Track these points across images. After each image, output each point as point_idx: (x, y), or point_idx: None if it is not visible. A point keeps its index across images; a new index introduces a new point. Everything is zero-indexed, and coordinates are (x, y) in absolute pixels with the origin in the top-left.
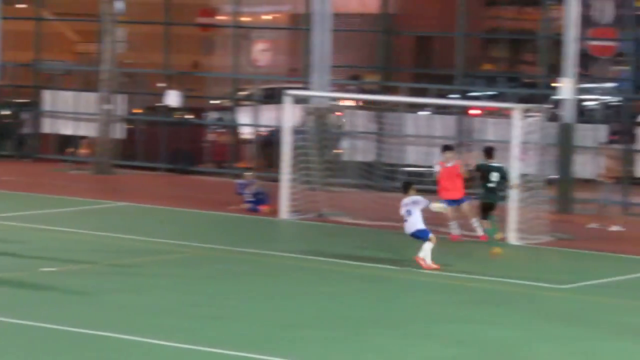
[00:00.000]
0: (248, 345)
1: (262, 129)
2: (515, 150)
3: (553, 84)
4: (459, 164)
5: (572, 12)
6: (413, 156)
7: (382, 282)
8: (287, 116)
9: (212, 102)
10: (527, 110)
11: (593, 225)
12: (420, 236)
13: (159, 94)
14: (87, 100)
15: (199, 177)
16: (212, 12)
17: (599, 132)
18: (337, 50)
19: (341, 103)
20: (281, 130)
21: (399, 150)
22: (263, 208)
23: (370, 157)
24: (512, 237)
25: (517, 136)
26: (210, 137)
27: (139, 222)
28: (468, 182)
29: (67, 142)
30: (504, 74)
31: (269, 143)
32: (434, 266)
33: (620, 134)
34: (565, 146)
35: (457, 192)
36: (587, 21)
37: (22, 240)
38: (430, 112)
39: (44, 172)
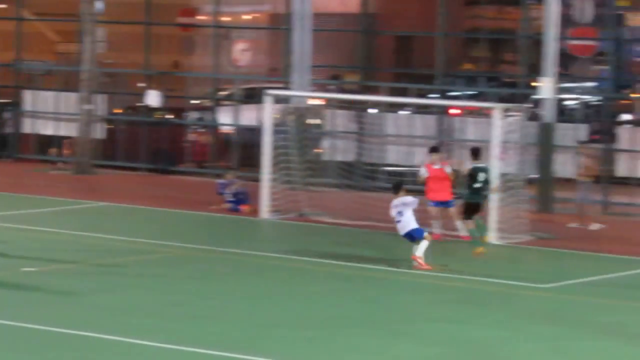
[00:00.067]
0: (229, 345)
1: (225, 128)
2: (495, 149)
3: (533, 84)
4: (446, 166)
5: (552, 12)
6: (393, 156)
7: (364, 282)
8: (267, 116)
9: (192, 102)
10: (507, 110)
11: (573, 224)
12: (415, 235)
13: (140, 94)
14: (68, 100)
15: (180, 177)
16: (192, 12)
17: (579, 132)
18: (317, 50)
19: (318, 102)
20: (238, 130)
21: (380, 149)
22: (244, 208)
23: (350, 156)
24: (493, 236)
25: (497, 136)
26: (191, 137)
27: (119, 222)
28: (455, 183)
29: (49, 142)
30: (484, 73)
31: (231, 142)
32: (427, 267)
33: (601, 134)
34: (545, 145)
35: (445, 193)
36: (567, 20)
37: (2, 240)
38: (410, 111)
39: (24, 172)
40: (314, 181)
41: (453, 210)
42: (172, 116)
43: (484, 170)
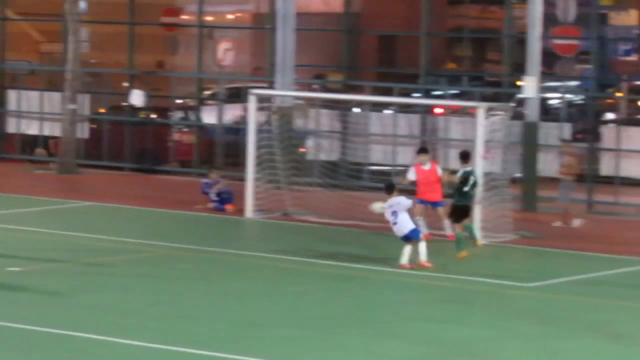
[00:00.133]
0: (215, 344)
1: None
2: (479, 149)
3: (517, 83)
4: (436, 166)
5: (535, 11)
6: (378, 155)
7: (349, 281)
8: (251, 115)
9: (176, 101)
10: (491, 109)
11: (558, 223)
12: (412, 237)
13: (124, 94)
14: (52, 100)
15: (164, 177)
16: (175, 11)
17: (564, 131)
18: (300, 50)
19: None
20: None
21: (364, 149)
22: (229, 207)
23: (335, 156)
24: (477, 235)
25: (481, 135)
26: (175, 136)
27: (104, 221)
28: (446, 185)
29: (34, 141)
30: (468, 72)
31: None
32: (409, 266)
33: (585, 133)
34: (529, 145)
35: (435, 193)
36: (550, 20)
37: None
38: (394, 110)
39: (9, 171)
40: (298, 180)
41: (442, 210)
42: (156, 116)
43: (474, 174)
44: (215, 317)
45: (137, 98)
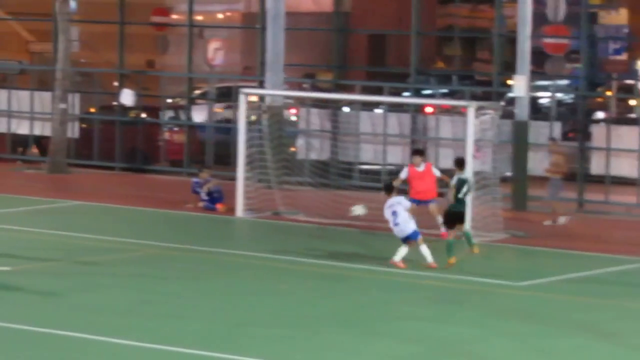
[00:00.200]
0: (205, 343)
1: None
2: (469, 148)
3: (507, 82)
4: (431, 167)
5: (525, 10)
6: (368, 154)
7: (339, 280)
8: (241, 114)
9: (167, 101)
10: (481, 108)
11: (548, 222)
12: (412, 238)
13: (114, 93)
14: (42, 100)
15: (155, 176)
16: (165, 11)
17: (553, 130)
18: (290, 49)
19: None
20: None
21: (354, 148)
22: (219, 207)
23: (325, 155)
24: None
25: (472, 134)
26: (166, 135)
27: (95, 221)
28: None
29: (25, 141)
30: (458, 72)
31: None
32: (402, 265)
33: (575, 132)
34: (519, 144)
35: (430, 193)
36: (540, 18)
37: None
38: (384, 109)
39: None
40: (288, 180)
41: (433, 206)
42: (146, 115)
43: (468, 181)
44: (206, 317)
45: (127, 97)
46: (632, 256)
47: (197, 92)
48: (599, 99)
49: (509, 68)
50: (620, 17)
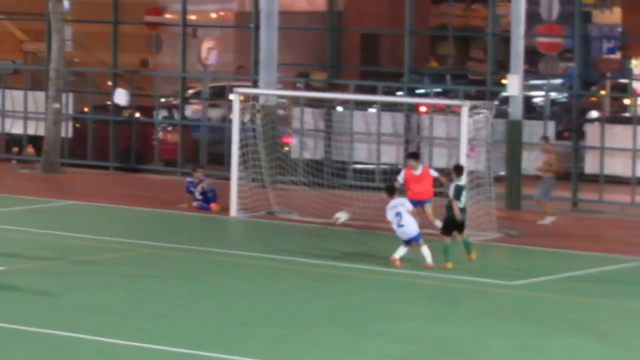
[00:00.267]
0: (198, 342)
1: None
2: (463, 147)
3: (501, 81)
4: (429, 169)
5: (519, 9)
6: (362, 153)
7: (334, 280)
8: (235, 114)
9: (160, 100)
10: (474, 107)
11: (541, 221)
12: (416, 240)
13: (108, 93)
14: (36, 99)
15: (149, 176)
16: (159, 10)
17: (547, 129)
18: (284, 48)
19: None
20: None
21: (348, 147)
22: (213, 206)
23: (319, 154)
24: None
25: (465, 133)
26: (159, 135)
27: (89, 220)
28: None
29: (19, 140)
30: (452, 71)
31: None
32: (399, 264)
33: (569, 131)
34: (513, 143)
35: (426, 194)
36: (534, 18)
37: None
38: (377, 109)
39: None
40: (282, 179)
41: (428, 206)
42: (140, 115)
43: (466, 188)
44: (200, 316)
45: (121, 97)
46: (627, 255)
47: (191, 91)
48: (593, 98)
49: (503, 67)
50: (613, 16)
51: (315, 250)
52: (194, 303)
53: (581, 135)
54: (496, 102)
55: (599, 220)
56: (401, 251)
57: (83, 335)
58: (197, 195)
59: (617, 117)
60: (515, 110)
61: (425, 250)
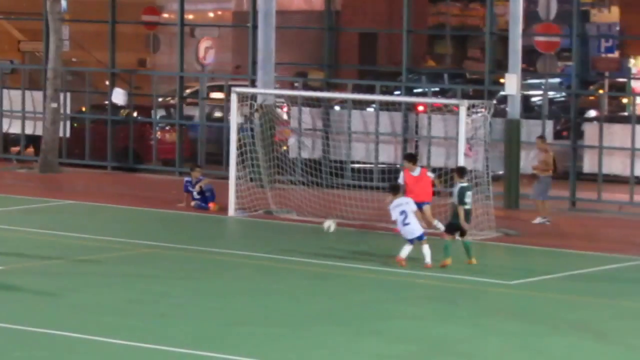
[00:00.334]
0: (197, 342)
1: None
2: (461, 146)
3: (499, 80)
4: (426, 171)
5: (517, 8)
6: (360, 153)
7: (332, 279)
8: (233, 113)
9: (158, 100)
10: (473, 106)
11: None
12: (420, 239)
13: (106, 92)
14: (33, 99)
15: (146, 175)
16: (156, 10)
17: (545, 128)
18: (282, 48)
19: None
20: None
21: (346, 147)
22: (211, 205)
23: (317, 154)
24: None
25: (463, 132)
26: (157, 135)
27: (86, 220)
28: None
29: (17, 140)
30: (450, 70)
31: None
32: (405, 263)
33: (568, 130)
34: (511, 142)
35: (426, 196)
36: (532, 17)
37: None
38: (375, 108)
39: None
40: (280, 178)
41: (427, 208)
42: (137, 114)
43: (470, 189)
44: (198, 316)
45: (118, 96)
46: (625, 254)
47: (188, 91)
48: (591, 97)
49: (501, 66)
50: (611, 15)
51: (314, 250)
52: (193, 302)
53: (579, 134)
54: (494, 101)
55: (597, 220)
56: (406, 250)
57: (80, 334)
58: (195, 195)
59: (615, 116)
60: (514, 109)
61: (426, 249)
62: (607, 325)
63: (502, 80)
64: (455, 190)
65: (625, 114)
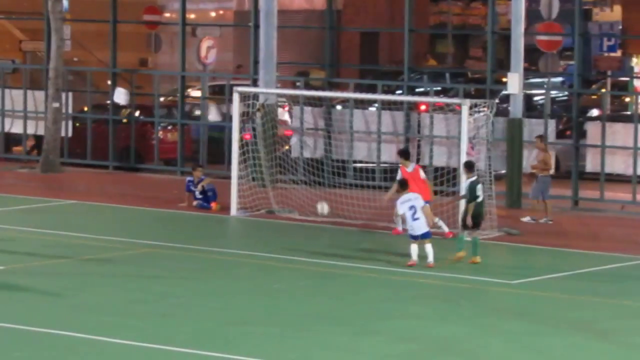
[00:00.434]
0: (197, 342)
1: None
2: (463, 145)
3: (502, 79)
4: (419, 169)
5: (519, 7)
6: (362, 152)
7: (334, 279)
8: (235, 112)
9: (160, 99)
10: (475, 106)
11: (542, 220)
12: (427, 236)
13: (107, 92)
14: (35, 99)
15: (148, 175)
16: (157, 9)
17: (548, 127)
18: (283, 47)
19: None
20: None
21: (348, 146)
22: (213, 205)
23: (319, 153)
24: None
25: (465, 131)
26: (159, 134)
27: (88, 220)
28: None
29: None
30: (451, 69)
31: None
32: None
33: (570, 129)
34: (513, 141)
35: (422, 193)
36: (534, 16)
37: None
38: (377, 107)
39: None
40: (282, 178)
41: (426, 208)
42: (139, 114)
43: (479, 182)
44: (199, 315)
45: (120, 96)
46: (627, 254)
47: (190, 90)
48: (593, 96)
49: (503, 65)
50: (613, 14)
51: (316, 249)
52: (194, 302)
53: (582, 133)
54: (496, 101)
55: (599, 219)
56: (415, 250)
57: (82, 334)
58: (197, 195)
59: (617, 115)
60: (516, 108)
61: (429, 248)
62: (609, 325)
63: (504, 80)
64: (465, 185)
65: (628, 113)
